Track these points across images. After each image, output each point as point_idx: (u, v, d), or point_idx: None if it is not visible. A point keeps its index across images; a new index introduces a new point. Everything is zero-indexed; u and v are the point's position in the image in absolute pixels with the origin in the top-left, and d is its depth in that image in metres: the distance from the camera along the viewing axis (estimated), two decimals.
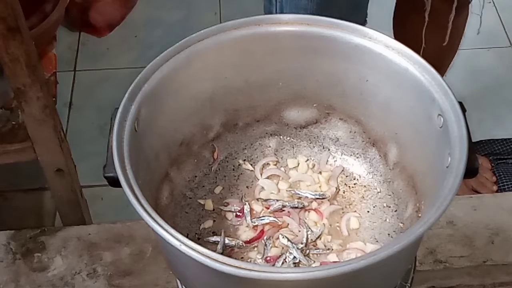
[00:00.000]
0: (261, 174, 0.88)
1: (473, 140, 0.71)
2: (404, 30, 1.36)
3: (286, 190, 0.86)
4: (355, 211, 0.85)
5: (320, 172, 0.88)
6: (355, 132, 0.87)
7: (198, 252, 0.61)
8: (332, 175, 0.88)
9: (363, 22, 1.34)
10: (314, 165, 0.89)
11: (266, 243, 0.81)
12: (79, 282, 0.95)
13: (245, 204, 0.84)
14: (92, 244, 0.99)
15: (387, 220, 0.84)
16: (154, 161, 0.78)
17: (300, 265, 0.79)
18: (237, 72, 0.82)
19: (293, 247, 0.79)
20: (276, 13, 1.29)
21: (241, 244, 0.81)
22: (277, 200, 0.84)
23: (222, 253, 0.78)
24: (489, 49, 2.10)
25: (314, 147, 0.90)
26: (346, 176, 0.88)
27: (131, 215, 0.71)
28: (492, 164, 1.70)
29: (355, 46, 0.78)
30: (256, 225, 0.82)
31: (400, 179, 0.83)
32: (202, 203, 0.86)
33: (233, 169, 0.89)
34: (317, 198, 0.85)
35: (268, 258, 0.80)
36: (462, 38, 1.43)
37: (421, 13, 1.16)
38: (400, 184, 0.83)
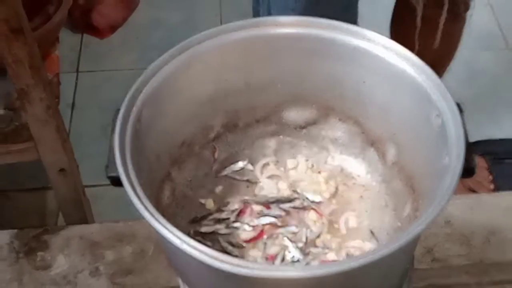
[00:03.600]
0: (261, 174, 0.89)
1: (470, 140, 0.71)
2: (399, 34, 1.36)
3: (286, 190, 0.87)
4: (353, 210, 0.85)
5: (319, 172, 0.88)
6: (354, 133, 0.87)
7: (200, 251, 0.62)
8: (331, 175, 0.88)
9: (355, 22, 1.34)
10: (313, 165, 0.89)
11: (266, 242, 0.82)
12: (82, 281, 0.96)
13: (246, 204, 0.84)
14: (95, 243, 0.99)
15: (386, 219, 0.84)
16: (156, 161, 0.79)
17: (299, 263, 0.79)
18: (237, 74, 0.82)
19: (293, 246, 0.80)
20: (264, 13, 1.28)
21: (241, 244, 0.82)
22: (277, 200, 0.85)
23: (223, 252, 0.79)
24: (486, 51, 2.11)
25: (313, 147, 0.90)
26: (345, 176, 0.89)
27: (133, 214, 0.71)
28: (489, 164, 1.70)
29: (353, 48, 0.79)
30: (256, 225, 0.83)
31: (398, 179, 0.84)
32: (203, 202, 0.86)
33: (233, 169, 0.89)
34: (317, 198, 0.85)
35: (268, 257, 0.80)
36: (459, 45, 1.43)
37: (414, 18, 1.16)
38: (398, 184, 0.84)
